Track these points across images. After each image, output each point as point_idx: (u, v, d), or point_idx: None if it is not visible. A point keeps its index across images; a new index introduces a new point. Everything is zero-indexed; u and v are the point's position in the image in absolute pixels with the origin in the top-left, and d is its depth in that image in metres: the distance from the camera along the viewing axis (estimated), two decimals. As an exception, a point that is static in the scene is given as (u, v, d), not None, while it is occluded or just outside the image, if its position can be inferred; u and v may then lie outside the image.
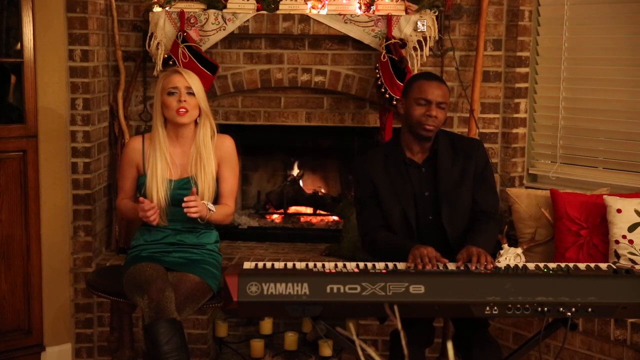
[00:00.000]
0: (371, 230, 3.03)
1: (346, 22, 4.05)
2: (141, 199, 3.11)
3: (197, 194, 3.14)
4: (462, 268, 2.71)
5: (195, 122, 3.27)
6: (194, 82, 3.22)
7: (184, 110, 3.18)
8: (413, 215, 3.02)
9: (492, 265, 2.69)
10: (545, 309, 2.52)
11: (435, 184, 3.04)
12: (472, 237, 2.91)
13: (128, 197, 3.32)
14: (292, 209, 4.82)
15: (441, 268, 2.71)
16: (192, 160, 3.23)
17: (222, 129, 3.44)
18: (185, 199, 3.06)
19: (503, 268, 2.70)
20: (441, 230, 3.02)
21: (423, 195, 3.04)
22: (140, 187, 3.26)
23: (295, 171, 4.82)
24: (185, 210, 3.05)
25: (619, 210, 3.50)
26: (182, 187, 3.20)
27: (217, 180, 3.26)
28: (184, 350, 2.92)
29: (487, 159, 3.16)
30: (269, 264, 2.67)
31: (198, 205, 3.07)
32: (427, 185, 3.05)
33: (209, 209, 3.16)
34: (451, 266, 2.73)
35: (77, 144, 3.97)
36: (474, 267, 2.69)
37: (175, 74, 3.22)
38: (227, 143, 3.31)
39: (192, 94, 3.20)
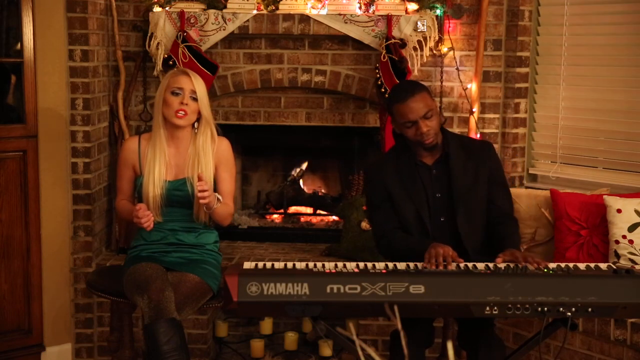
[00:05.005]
0: (387, 232, 3.03)
1: (346, 22, 4.05)
2: (138, 205, 3.12)
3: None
4: (495, 266, 2.71)
5: (193, 126, 3.27)
6: (200, 87, 3.22)
7: (183, 112, 3.18)
8: (427, 215, 3.01)
9: (544, 264, 2.68)
10: (545, 309, 2.52)
11: (447, 186, 3.03)
12: (508, 242, 2.90)
13: (126, 197, 3.33)
14: (292, 209, 4.82)
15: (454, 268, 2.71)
16: (189, 163, 3.23)
17: (222, 128, 3.44)
18: (197, 185, 3.05)
19: (503, 268, 2.70)
20: (453, 231, 3.01)
21: (434, 196, 3.03)
22: (137, 188, 3.26)
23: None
24: (199, 195, 3.05)
25: (619, 210, 3.50)
26: (178, 188, 3.20)
27: (215, 181, 3.27)
28: (183, 350, 2.92)
29: (499, 161, 3.17)
30: (269, 264, 2.67)
31: (209, 190, 3.07)
32: (438, 186, 3.04)
33: (218, 199, 3.17)
34: (451, 266, 2.73)
35: (77, 144, 3.97)
36: (534, 266, 2.66)
37: (184, 75, 3.22)
38: (224, 145, 3.31)
39: (195, 99, 3.20)
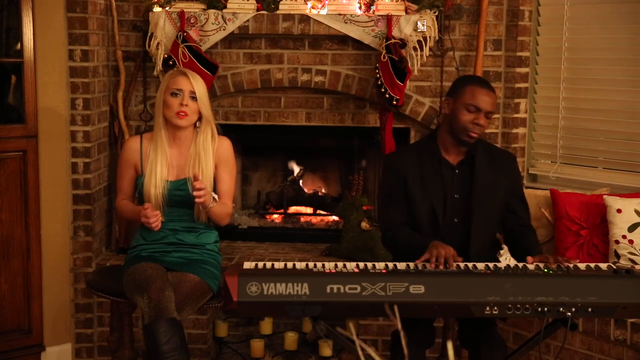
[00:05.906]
0: (394, 227, 3.03)
1: (346, 22, 4.05)
2: (146, 204, 3.12)
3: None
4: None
5: (195, 125, 3.27)
6: (199, 86, 3.22)
7: (183, 113, 3.18)
8: (441, 214, 3.01)
9: (575, 261, 2.73)
10: (545, 309, 2.52)
11: (467, 188, 3.03)
12: (536, 249, 2.96)
13: (127, 197, 3.33)
14: (292, 209, 4.82)
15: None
16: (190, 163, 3.23)
17: (222, 128, 3.44)
18: (195, 183, 3.07)
19: (503, 268, 2.70)
20: (463, 234, 3.01)
21: (453, 197, 3.03)
22: (138, 188, 3.26)
23: (296, 171, 4.82)
24: (194, 192, 3.06)
25: (619, 210, 3.50)
26: (179, 188, 3.21)
27: (215, 181, 3.27)
28: (183, 349, 2.92)
29: (520, 174, 3.23)
30: (269, 264, 2.67)
31: (206, 188, 3.09)
32: (458, 187, 3.04)
33: (214, 198, 3.17)
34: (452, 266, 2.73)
35: (77, 144, 3.97)
36: (565, 265, 2.70)
37: (182, 75, 3.22)
38: (225, 145, 3.31)
39: (194, 98, 3.20)
